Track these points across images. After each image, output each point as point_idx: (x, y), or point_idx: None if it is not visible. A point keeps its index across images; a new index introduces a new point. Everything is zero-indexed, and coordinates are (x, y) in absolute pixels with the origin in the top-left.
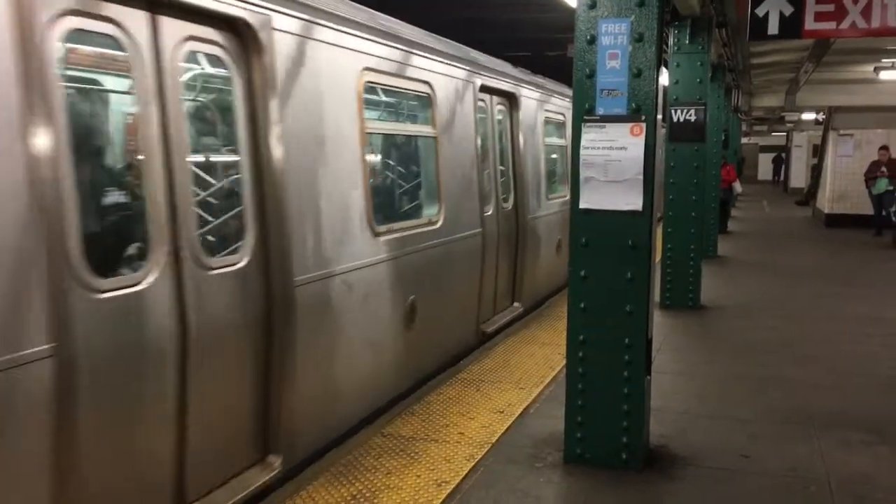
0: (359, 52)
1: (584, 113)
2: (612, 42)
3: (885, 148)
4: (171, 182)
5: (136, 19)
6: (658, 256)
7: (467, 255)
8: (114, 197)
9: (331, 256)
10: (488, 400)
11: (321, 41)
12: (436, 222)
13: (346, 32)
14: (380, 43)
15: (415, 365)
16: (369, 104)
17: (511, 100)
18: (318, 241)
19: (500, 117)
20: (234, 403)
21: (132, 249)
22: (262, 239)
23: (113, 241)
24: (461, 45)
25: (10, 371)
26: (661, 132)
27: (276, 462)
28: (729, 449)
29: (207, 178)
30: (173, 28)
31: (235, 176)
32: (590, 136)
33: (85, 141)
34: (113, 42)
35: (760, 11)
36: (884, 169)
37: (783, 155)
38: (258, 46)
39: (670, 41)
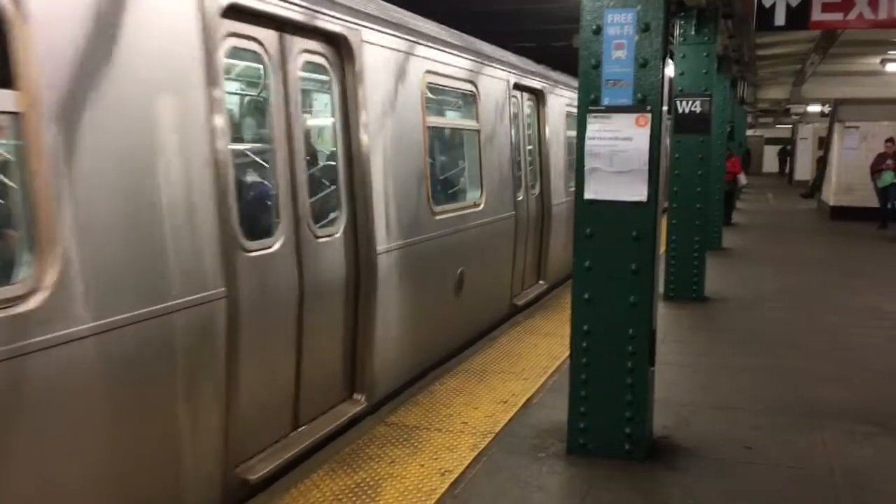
0: (422, 57)
1: (590, 103)
2: (618, 32)
3: (891, 140)
4: (292, 169)
5: (270, 38)
6: (662, 248)
7: (503, 235)
8: (254, 180)
9: (402, 231)
10: (492, 390)
11: (395, 49)
12: (479, 205)
13: (413, 41)
14: (437, 49)
15: (461, 329)
16: (429, 102)
17: (538, 96)
18: (393, 218)
19: (528, 112)
20: (331, 347)
21: (267, 221)
22: (352, 215)
23: (255, 215)
24: (498, 48)
25: (201, 306)
26: (667, 123)
27: (361, 398)
28: (732, 440)
29: (314, 164)
30: (294, 43)
31: (332, 163)
32: (595, 126)
33: (238, 137)
34: (256, 56)
35: (767, 2)
36: (889, 161)
37: (788, 147)
38: (351, 55)
39: (676, 32)
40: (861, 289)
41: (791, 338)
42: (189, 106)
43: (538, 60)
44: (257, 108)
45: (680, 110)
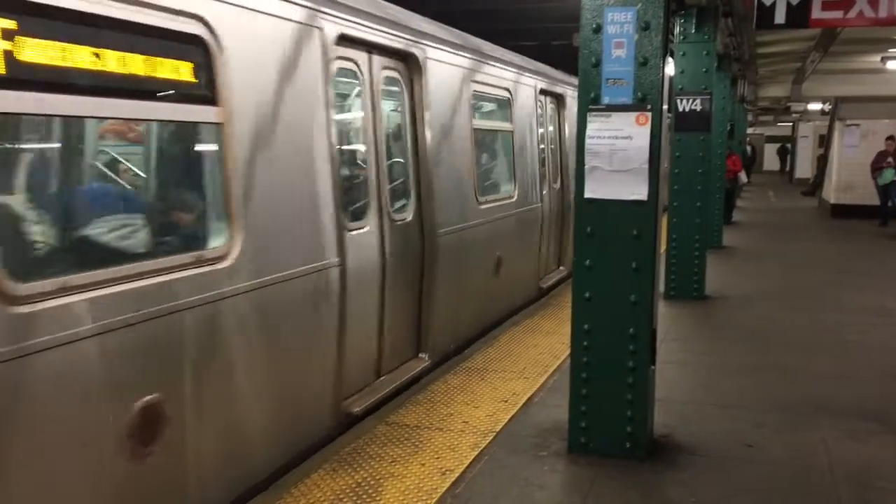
0: (469, 69)
1: (590, 102)
2: (618, 31)
3: (891, 138)
4: (378, 165)
5: (363, 58)
6: (663, 247)
7: (531, 224)
8: (352, 175)
9: (456, 217)
10: (493, 389)
11: (450, 64)
12: (512, 197)
13: (464, 56)
14: (481, 61)
15: (498, 306)
16: (475, 107)
17: (559, 100)
18: (449, 206)
19: (551, 114)
20: (404, 312)
21: (361, 207)
22: (419, 203)
23: (353, 202)
24: (527, 58)
25: (324, 270)
26: (667, 122)
27: (425, 357)
28: (733, 438)
29: (390, 161)
30: (378, 62)
31: (402, 160)
32: (595, 125)
33: (341, 141)
34: (353, 73)
35: (767, 0)
36: (890, 159)
37: (788, 146)
38: (419, 70)
39: (676, 30)
40: (862, 287)
41: (792, 336)
42: (316, 114)
43: (538, 60)
44: (353, 116)
45: (680, 109)
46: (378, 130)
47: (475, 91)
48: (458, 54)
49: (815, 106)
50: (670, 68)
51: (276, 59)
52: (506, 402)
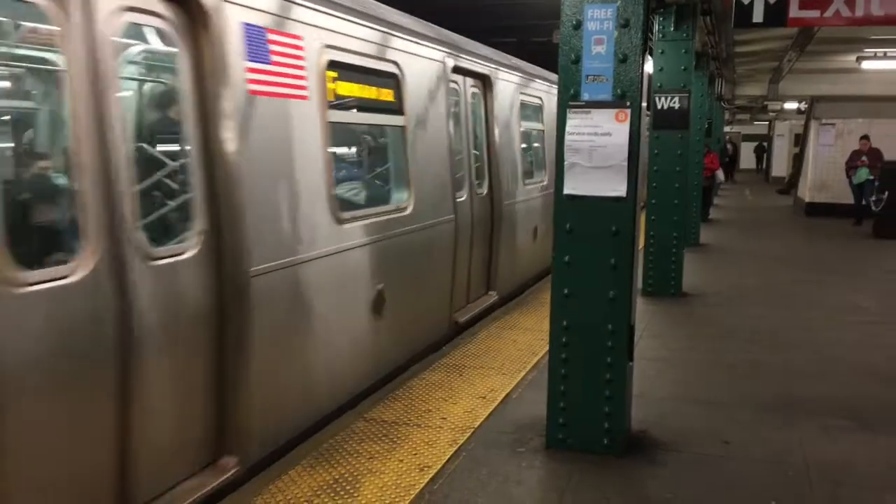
0: (516, 84)
1: (570, 99)
2: (598, 27)
3: (865, 138)
4: (468, 155)
5: (460, 80)
6: (641, 243)
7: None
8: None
9: (513, 193)
10: (471, 385)
11: (507, 80)
12: (543, 181)
13: (514, 73)
14: (525, 77)
15: (537, 269)
16: (522, 113)
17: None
18: (509, 185)
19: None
20: (483, 258)
21: (460, 182)
22: (490, 183)
23: (455, 179)
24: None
25: (445, 223)
26: (646, 120)
27: (494, 294)
28: (710, 435)
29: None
30: (467, 82)
31: (478, 153)
32: (575, 121)
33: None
34: (457, 91)
35: None
36: (864, 158)
37: (765, 144)
38: (490, 86)
39: (655, 28)
40: (837, 285)
41: (768, 333)
42: (442, 119)
43: (519, 57)
44: (457, 122)
45: (658, 106)
46: (468, 133)
47: (522, 101)
48: (511, 72)
49: (791, 105)
50: (649, 66)
51: (425, 83)
52: (484, 398)
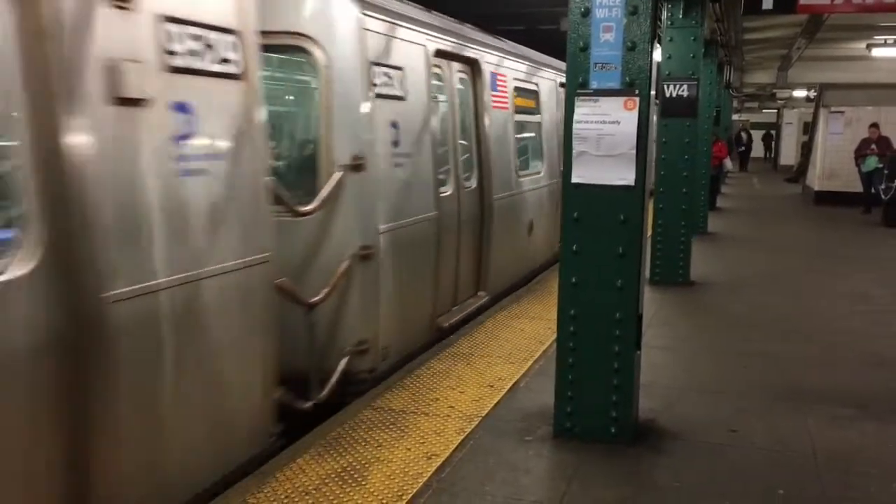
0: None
1: (578, 87)
2: (607, 15)
3: (875, 125)
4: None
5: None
6: (649, 232)
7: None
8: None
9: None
10: (478, 374)
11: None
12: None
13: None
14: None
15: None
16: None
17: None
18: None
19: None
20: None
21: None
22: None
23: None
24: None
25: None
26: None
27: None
28: (717, 423)
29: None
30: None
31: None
32: (583, 109)
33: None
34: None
35: None
36: (873, 146)
37: (772, 132)
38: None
39: (664, 15)
40: (846, 273)
41: (776, 322)
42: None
43: (528, 45)
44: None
45: (667, 94)
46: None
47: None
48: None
49: (800, 93)
50: (658, 53)
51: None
52: (491, 386)
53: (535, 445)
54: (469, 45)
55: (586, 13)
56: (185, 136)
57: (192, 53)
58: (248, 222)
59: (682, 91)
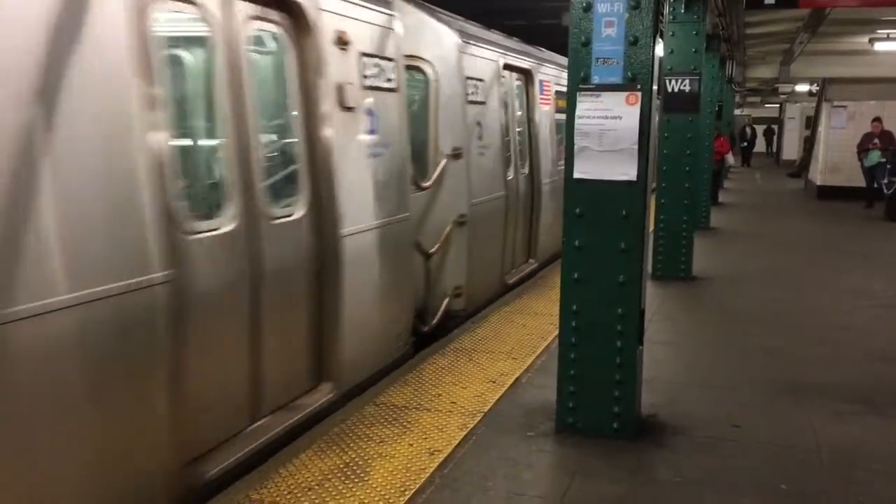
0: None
1: (580, 82)
2: (609, 9)
3: (877, 120)
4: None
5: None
6: (651, 227)
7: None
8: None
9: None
10: (481, 369)
11: (545, 73)
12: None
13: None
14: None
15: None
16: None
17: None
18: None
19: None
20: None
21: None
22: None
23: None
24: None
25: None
26: (657, 102)
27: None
28: (720, 418)
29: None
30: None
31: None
32: (585, 105)
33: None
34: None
35: None
36: (876, 141)
37: (774, 127)
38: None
39: (665, 10)
40: (848, 268)
41: (778, 316)
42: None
43: (527, 40)
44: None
45: (669, 89)
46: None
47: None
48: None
49: (802, 87)
50: (660, 48)
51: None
52: (494, 382)
53: (538, 441)
54: (524, 57)
55: (588, 8)
56: (372, 132)
57: (375, 76)
58: (402, 190)
59: (685, 86)
